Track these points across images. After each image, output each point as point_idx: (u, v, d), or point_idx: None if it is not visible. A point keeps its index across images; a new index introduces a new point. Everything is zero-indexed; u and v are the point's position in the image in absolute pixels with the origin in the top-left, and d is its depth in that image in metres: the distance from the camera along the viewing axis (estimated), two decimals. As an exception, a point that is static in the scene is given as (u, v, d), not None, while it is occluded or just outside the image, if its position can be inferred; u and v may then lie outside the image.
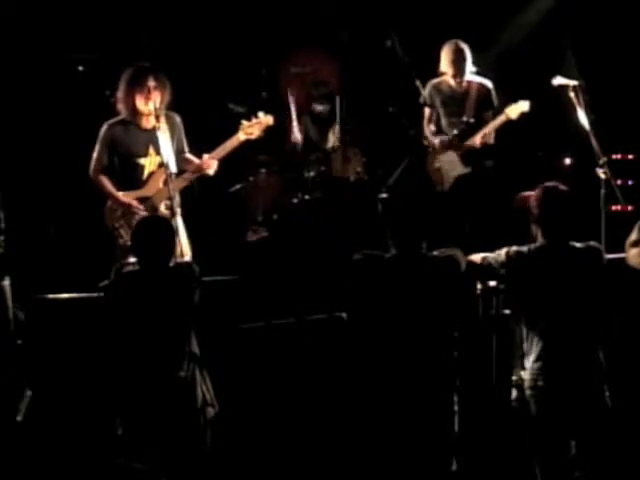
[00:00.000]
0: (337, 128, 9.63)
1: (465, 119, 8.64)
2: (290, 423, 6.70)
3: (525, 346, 5.70)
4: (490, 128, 8.59)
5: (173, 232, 6.13)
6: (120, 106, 7.33)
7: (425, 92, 8.78)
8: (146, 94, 7.20)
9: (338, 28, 9.88)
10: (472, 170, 8.67)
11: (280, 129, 9.16)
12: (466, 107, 8.66)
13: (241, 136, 7.46)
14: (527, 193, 6.06)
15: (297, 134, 9.41)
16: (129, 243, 6.98)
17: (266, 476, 6.48)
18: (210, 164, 7.42)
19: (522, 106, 8.52)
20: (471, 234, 8.18)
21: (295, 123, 9.35)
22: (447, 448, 5.63)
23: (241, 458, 6.48)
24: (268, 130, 7.66)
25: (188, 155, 7.52)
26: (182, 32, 9.65)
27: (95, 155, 7.35)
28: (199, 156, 7.49)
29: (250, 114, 7.62)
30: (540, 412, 5.61)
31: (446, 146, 8.73)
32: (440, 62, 8.70)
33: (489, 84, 8.71)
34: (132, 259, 6.13)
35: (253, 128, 7.47)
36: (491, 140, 8.63)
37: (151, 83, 7.21)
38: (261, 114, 7.54)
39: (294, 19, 9.85)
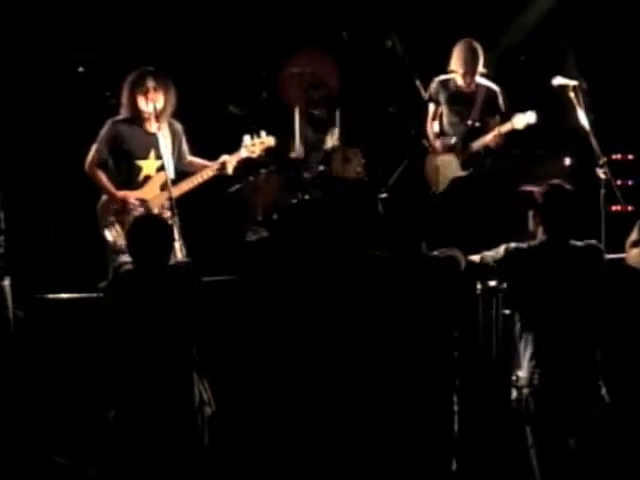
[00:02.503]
0: (336, 130, 9.63)
1: (470, 122, 8.53)
2: (288, 423, 6.70)
3: (522, 344, 5.70)
4: (490, 137, 8.43)
5: (170, 231, 6.14)
6: (124, 110, 7.37)
7: (431, 88, 8.63)
8: (146, 94, 7.24)
9: (338, 28, 9.87)
10: (470, 172, 8.58)
11: (281, 130, 9.24)
12: (472, 110, 8.52)
13: (243, 153, 7.57)
14: (529, 187, 6.04)
15: (300, 151, 9.46)
16: (120, 242, 7.03)
17: (264, 476, 6.48)
18: (230, 160, 7.51)
19: (529, 117, 8.34)
20: (470, 235, 8.14)
21: (298, 140, 9.35)
22: (447, 448, 5.64)
23: (238, 458, 6.48)
24: (269, 150, 7.75)
25: (193, 159, 7.59)
26: (182, 33, 9.65)
27: (95, 147, 7.34)
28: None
29: (250, 115, 7.66)
30: (537, 410, 5.61)
31: (446, 150, 8.64)
32: (451, 59, 8.50)
33: (497, 89, 8.56)
34: (124, 258, 6.09)
35: (255, 147, 7.59)
36: (494, 145, 8.46)
37: (150, 84, 7.26)
38: (263, 134, 7.64)
39: (294, 19, 9.85)
